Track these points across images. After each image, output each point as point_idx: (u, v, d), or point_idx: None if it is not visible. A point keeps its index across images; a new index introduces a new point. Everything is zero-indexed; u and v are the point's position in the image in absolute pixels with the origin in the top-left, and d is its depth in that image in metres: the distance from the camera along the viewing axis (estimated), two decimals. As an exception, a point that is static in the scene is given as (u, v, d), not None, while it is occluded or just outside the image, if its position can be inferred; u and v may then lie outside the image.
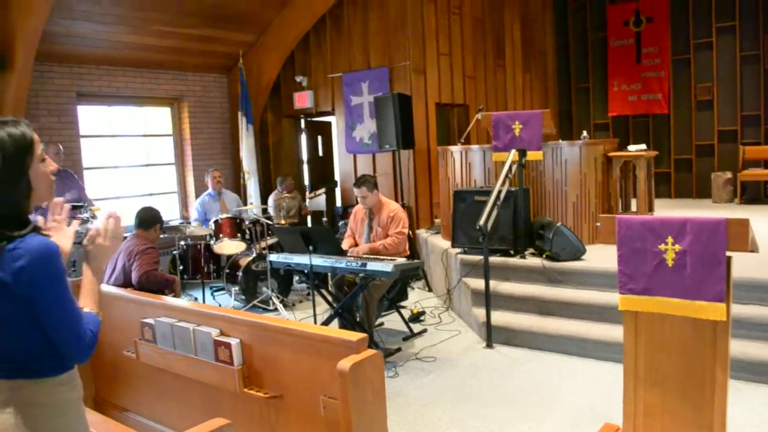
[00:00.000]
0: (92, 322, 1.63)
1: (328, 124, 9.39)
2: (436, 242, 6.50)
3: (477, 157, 6.28)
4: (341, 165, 8.48)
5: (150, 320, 3.13)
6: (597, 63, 10.63)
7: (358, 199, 5.12)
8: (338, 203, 8.84)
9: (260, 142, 8.86)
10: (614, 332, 4.41)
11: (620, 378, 3.22)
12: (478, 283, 5.16)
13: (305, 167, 9.30)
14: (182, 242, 6.31)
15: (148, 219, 4.65)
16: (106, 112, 7.59)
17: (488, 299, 4.79)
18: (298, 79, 8.57)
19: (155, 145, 8.16)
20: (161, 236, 4.97)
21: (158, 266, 4.45)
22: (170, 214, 8.11)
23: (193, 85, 8.29)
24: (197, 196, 7.68)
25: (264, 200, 8.12)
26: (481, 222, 4.71)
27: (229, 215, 6.53)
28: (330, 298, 5.09)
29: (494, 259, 5.32)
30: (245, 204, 7.90)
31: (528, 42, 10.08)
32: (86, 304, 1.66)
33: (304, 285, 7.15)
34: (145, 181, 7.96)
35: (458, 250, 5.81)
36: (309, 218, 7.78)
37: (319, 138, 9.23)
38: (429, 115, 7.80)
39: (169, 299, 3.30)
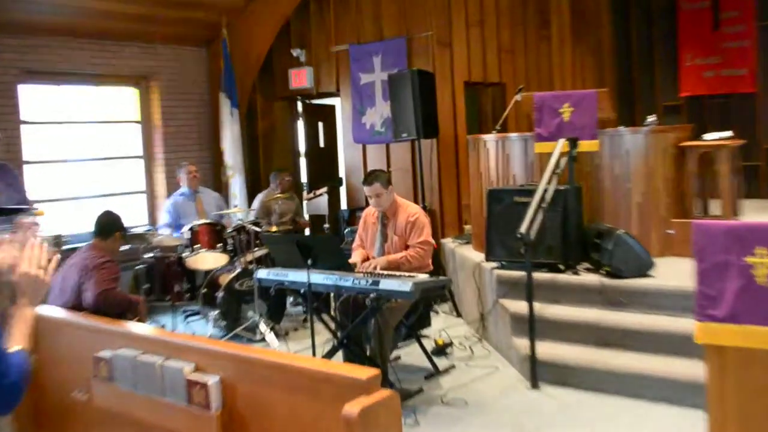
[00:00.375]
0: (17, 364, 1.62)
1: (332, 107, 9.38)
2: (466, 254, 6.47)
3: (516, 148, 6.25)
4: (347, 158, 8.45)
5: (107, 353, 3.09)
6: (665, 32, 10.54)
7: (370, 200, 5.13)
8: (343, 206, 8.81)
9: (247, 130, 8.86)
10: (694, 370, 4.30)
11: (702, 430, 3.11)
12: (520, 306, 5.11)
13: (303, 161, 9.29)
14: (148, 254, 6.32)
15: (107, 226, 4.63)
16: (56, 93, 7.58)
17: (532, 326, 4.74)
18: (295, 53, 8.56)
19: (117, 135, 8.19)
20: (123, 247, 4.94)
21: (118, 284, 4.44)
22: (135, 218, 8.12)
23: (166, 60, 8.30)
24: (169, 196, 7.65)
25: (251, 202, 8.13)
26: (523, 229, 4.66)
27: (208, 220, 6.52)
28: (333, 325, 5.07)
29: (539, 276, 5.29)
30: (228, 206, 7.87)
31: (579, 8, 10.03)
32: (15, 342, 1.67)
33: (300, 308, 7.12)
34: (104, 179, 7.98)
35: (494, 264, 5.79)
36: (307, 228, 7.74)
37: (321, 125, 9.23)
38: (456, 96, 7.78)
39: (131, 326, 3.27)
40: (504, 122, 6.83)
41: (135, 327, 3.22)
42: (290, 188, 7.74)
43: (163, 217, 7.15)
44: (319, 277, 4.48)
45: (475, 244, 6.62)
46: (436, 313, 6.79)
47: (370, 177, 5.08)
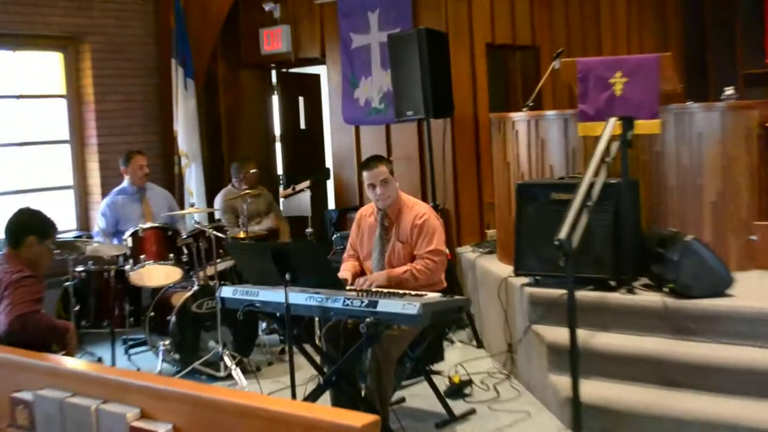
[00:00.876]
0: None
1: (316, 78, 9.42)
2: (489, 267, 6.49)
3: (554, 130, 6.26)
4: (336, 144, 8.47)
5: (26, 395, 3.15)
6: (746, -20, 10.58)
7: (371, 193, 5.17)
8: (331, 204, 8.82)
9: (207, 107, 8.91)
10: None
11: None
12: (559, 334, 5.11)
13: (278, 147, 9.30)
14: (80, 267, 6.33)
15: (17, 229, 4.65)
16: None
17: (575, 360, 4.72)
18: (268, 7, 8.61)
19: (38, 113, 8.20)
20: (54, 255, 4.96)
21: (41, 306, 4.44)
22: (62, 221, 8.12)
23: (101, 16, 8.36)
24: (105, 194, 7.69)
25: (211, 200, 8.15)
26: (563, 234, 4.66)
27: (156, 224, 6.53)
28: (318, 359, 5.07)
29: (584, 295, 5.30)
30: (182, 206, 7.91)
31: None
32: None
33: (275, 337, 7.13)
34: (18, 171, 7.99)
35: (525, 279, 5.80)
36: (282, 231, 7.78)
37: (301, 101, 9.26)
38: (476, 63, 7.80)
39: (57, 360, 3.35)
40: (538, 97, 6.83)
41: (63, 361, 3.24)
42: (257, 183, 7.77)
43: (99, 220, 7.16)
44: (301, 297, 4.48)
45: (500, 254, 6.63)
46: (451, 342, 6.78)
47: (372, 159, 5.15)
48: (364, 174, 5.15)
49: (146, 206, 7.21)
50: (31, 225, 4.71)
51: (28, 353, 3.39)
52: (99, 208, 7.30)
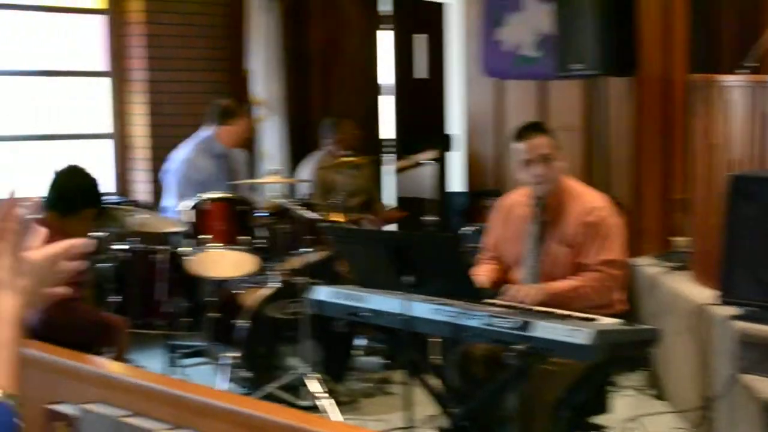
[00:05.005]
0: None
1: (440, 10, 9.33)
2: (678, 289, 6.45)
3: (787, 104, 6.09)
4: (469, 103, 8.45)
5: (69, 408, 3.14)
6: None
7: (527, 172, 5.09)
8: (456, 185, 8.80)
9: (293, 40, 8.96)
10: None
11: None
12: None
13: (387, 103, 9.29)
14: (120, 245, 6.42)
15: (75, 195, 4.75)
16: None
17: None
18: None
19: (68, 33, 8.33)
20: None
21: (82, 293, 4.50)
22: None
23: None
24: (153, 147, 7.73)
25: (295, 166, 8.24)
26: (799, 251, 4.56)
27: (226, 194, 6.57)
28: (441, 392, 5.03)
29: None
30: (253, 171, 8.03)
31: None
32: None
33: (376, 360, 7.13)
34: (43, 109, 8.16)
35: (735, 310, 5.64)
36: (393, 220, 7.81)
37: (420, 41, 9.19)
38: (674, 5, 7.69)
39: (112, 366, 3.42)
40: (762, 55, 6.70)
41: (120, 368, 3.30)
42: (355, 149, 7.77)
43: (169, 183, 7.18)
44: (425, 309, 4.49)
45: (697, 272, 6.51)
46: (619, 388, 6.68)
47: (531, 126, 5.13)
48: (518, 146, 5.09)
49: (234, 173, 7.25)
50: (93, 195, 4.84)
51: (73, 354, 3.42)
52: (178, 172, 7.24)
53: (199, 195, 6.54)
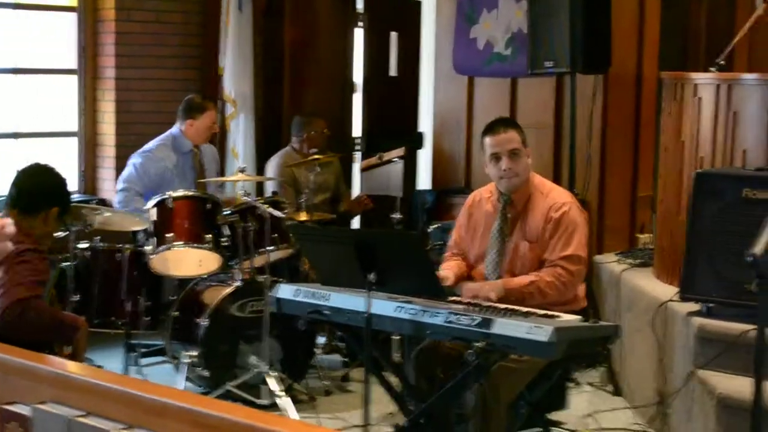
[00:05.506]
0: None
1: (416, 7, 9.33)
2: (640, 285, 6.47)
3: (753, 102, 6.13)
4: (439, 100, 8.42)
5: (22, 408, 3.14)
6: None
7: (492, 167, 5.13)
8: (424, 183, 8.79)
9: (266, 38, 8.96)
10: None
11: None
12: (736, 386, 5.04)
13: (357, 100, 9.28)
14: (83, 244, 6.40)
15: (40, 194, 4.74)
16: None
17: (758, 424, 4.62)
18: None
19: (38, 30, 8.28)
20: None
21: (43, 291, 4.50)
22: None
23: None
24: (120, 145, 7.73)
25: (261, 164, 8.25)
26: (759, 249, 4.56)
27: (192, 192, 6.55)
28: (400, 390, 5.06)
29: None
30: (223, 168, 8.04)
31: None
32: None
33: (337, 358, 7.20)
34: (9, 105, 8.10)
35: (695, 306, 5.70)
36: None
37: (394, 38, 9.20)
38: (645, 1, 7.73)
39: (66, 365, 3.33)
40: (731, 53, 6.71)
41: (74, 368, 3.26)
42: (326, 147, 7.80)
43: (127, 177, 7.10)
44: (388, 307, 4.50)
45: (659, 269, 6.54)
46: (577, 385, 6.73)
47: (501, 121, 5.15)
48: (487, 140, 5.11)
49: (200, 170, 7.20)
50: (58, 194, 4.81)
51: (28, 353, 3.40)
52: (135, 159, 7.18)
53: (162, 193, 6.51)
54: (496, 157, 5.07)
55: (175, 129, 7.26)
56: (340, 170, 8.03)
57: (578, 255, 5.00)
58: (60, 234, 5.92)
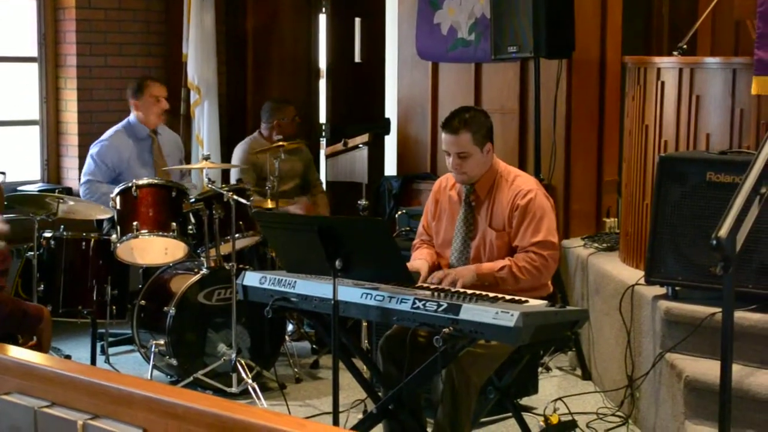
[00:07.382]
0: None
1: (378, -8, 9.35)
2: (607, 269, 6.49)
3: (716, 85, 6.16)
4: (403, 86, 8.44)
5: None
6: None
7: (447, 162, 5.15)
8: (390, 169, 8.84)
9: (229, 25, 8.95)
10: None
11: None
12: (703, 368, 5.10)
13: (322, 86, 9.27)
14: (47, 233, 6.40)
15: None
16: None
17: (726, 406, 4.64)
18: None
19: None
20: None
21: (4, 281, 4.47)
22: (24, 170, 8.27)
23: None
24: (83, 134, 7.72)
25: (226, 152, 8.22)
26: (723, 231, 4.58)
27: (157, 180, 6.54)
28: (370, 376, 5.09)
29: (744, 317, 5.20)
30: (188, 157, 8.01)
31: None
32: None
33: (306, 345, 7.23)
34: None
35: (661, 290, 5.74)
36: (320, 207, 7.84)
37: (358, 24, 9.19)
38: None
39: (30, 355, 3.32)
40: (694, 37, 6.74)
41: (38, 358, 3.25)
42: (295, 134, 7.79)
43: (90, 168, 7.12)
44: (354, 293, 4.52)
45: (625, 253, 6.57)
46: (547, 369, 6.78)
47: (457, 118, 5.08)
48: (442, 135, 5.13)
49: (159, 156, 7.21)
50: None
51: (-13, 344, 3.39)
52: (93, 149, 7.23)
53: (127, 181, 6.52)
54: (447, 153, 5.12)
55: (131, 116, 7.30)
56: (309, 157, 8.01)
57: (550, 240, 5.02)
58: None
